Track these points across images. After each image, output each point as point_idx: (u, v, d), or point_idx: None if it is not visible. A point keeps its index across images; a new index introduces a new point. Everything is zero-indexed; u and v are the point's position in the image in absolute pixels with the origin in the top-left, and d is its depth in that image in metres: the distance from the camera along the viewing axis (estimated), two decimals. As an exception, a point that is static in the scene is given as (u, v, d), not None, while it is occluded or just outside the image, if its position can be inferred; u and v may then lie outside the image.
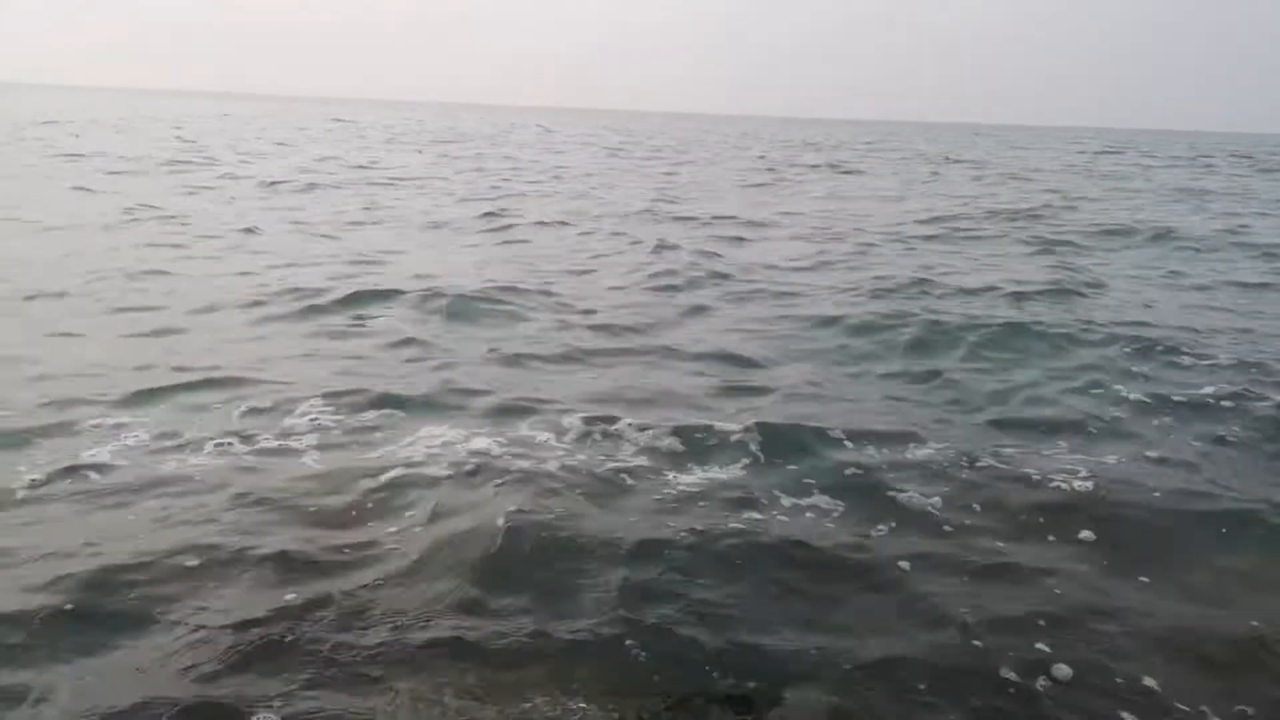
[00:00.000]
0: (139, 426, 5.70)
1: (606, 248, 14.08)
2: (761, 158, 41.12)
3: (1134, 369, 7.51)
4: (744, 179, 29.25)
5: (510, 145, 44.98)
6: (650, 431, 5.85)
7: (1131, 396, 6.78)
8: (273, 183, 21.88)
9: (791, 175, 31.84)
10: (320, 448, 5.46)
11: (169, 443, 5.47)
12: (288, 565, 4.07)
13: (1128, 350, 8.07)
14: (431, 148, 40.93)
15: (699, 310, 9.93)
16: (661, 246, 13.76)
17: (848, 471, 5.34)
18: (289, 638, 3.53)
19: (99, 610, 3.71)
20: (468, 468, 5.22)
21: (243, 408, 6.08)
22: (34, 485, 4.81)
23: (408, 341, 8.13)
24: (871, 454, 5.65)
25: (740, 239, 15.47)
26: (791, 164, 37.74)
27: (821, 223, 17.83)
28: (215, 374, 6.83)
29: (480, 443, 5.60)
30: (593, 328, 8.96)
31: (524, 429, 5.87)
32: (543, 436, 5.73)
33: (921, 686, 3.38)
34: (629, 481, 5.14)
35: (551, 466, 5.21)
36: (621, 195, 22.15)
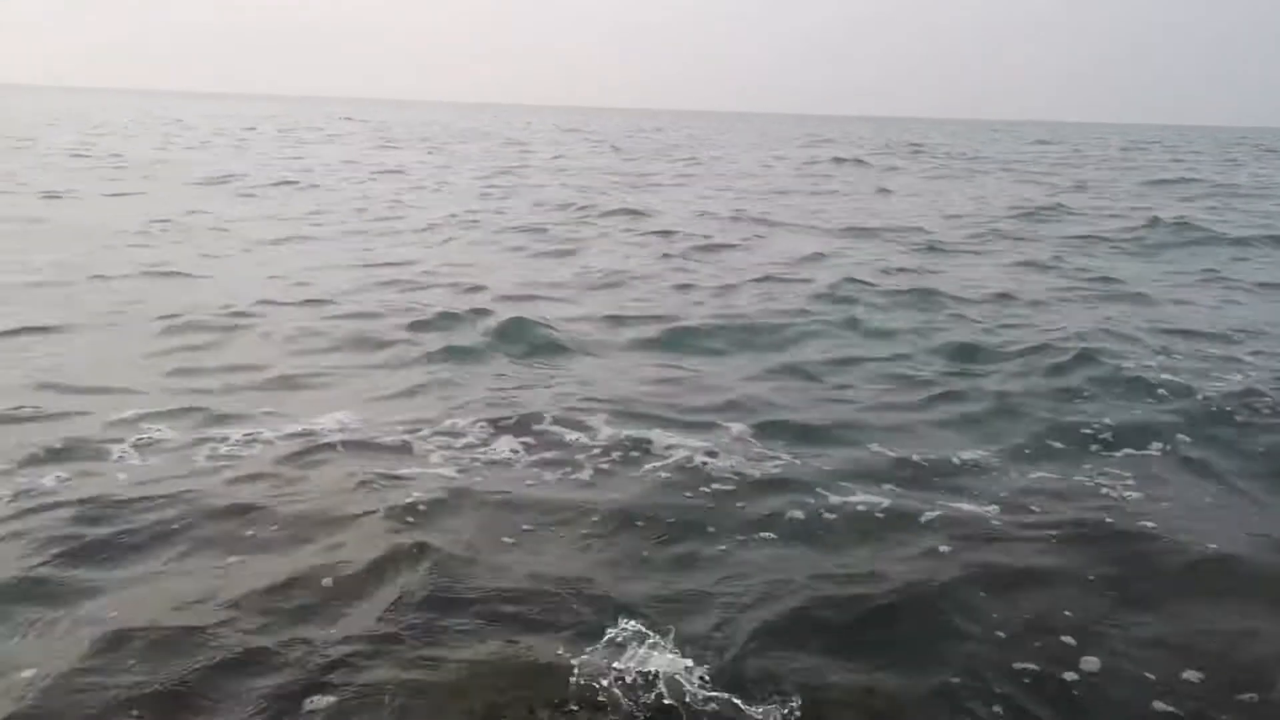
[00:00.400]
0: (166, 425, 5.72)
1: (628, 250, 13.98)
2: (780, 156, 40.83)
3: (1167, 373, 7.29)
4: (765, 176, 29.13)
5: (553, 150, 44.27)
6: (679, 430, 5.82)
7: (1167, 402, 6.63)
8: (295, 183, 22.03)
9: (814, 171, 31.85)
10: (347, 447, 5.45)
11: (197, 440, 5.48)
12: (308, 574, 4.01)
13: (1161, 354, 7.93)
14: (448, 148, 40.94)
15: (721, 306, 9.90)
16: (681, 245, 13.85)
17: (884, 477, 5.29)
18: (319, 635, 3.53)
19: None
20: (497, 465, 5.25)
21: (266, 408, 6.11)
22: (60, 480, 4.83)
23: (425, 338, 8.17)
24: (906, 455, 5.63)
25: (758, 235, 15.49)
26: (814, 161, 37.58)
27: (838, 220, 17.76)
28: (240, 376, 6.91)
29: (503, 442, 5.59)
30: (606, 321, 9.01)
31: (548, 425, 5.85)
32: (571, 436, 5.70)
33: (954, 680, 3.37)
34: (664, 476, 5.13)
35: (585, 474, 5.19)
36: (642, 195, 22.09)
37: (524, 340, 8.05)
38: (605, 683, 3.24)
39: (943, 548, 4.35)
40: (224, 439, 5.49)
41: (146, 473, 5.02)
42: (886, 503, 4.85)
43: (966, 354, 7.99)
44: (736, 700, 3.19)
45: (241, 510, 4.59)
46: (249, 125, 56.18)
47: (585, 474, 5.19)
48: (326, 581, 3.91)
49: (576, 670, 3.29)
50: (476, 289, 10.42)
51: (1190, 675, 3.43)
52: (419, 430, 5.72)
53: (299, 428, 5.68)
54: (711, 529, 4.54)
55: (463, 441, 5.59)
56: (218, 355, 7.51)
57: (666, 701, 3.17)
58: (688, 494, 4.93)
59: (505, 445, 5.54)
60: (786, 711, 3.16)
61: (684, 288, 10.88)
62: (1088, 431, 6.01)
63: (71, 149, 30.29)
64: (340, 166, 28.16)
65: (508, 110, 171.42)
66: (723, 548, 4.36)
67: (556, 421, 5.93)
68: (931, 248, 14.33)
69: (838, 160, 37.21)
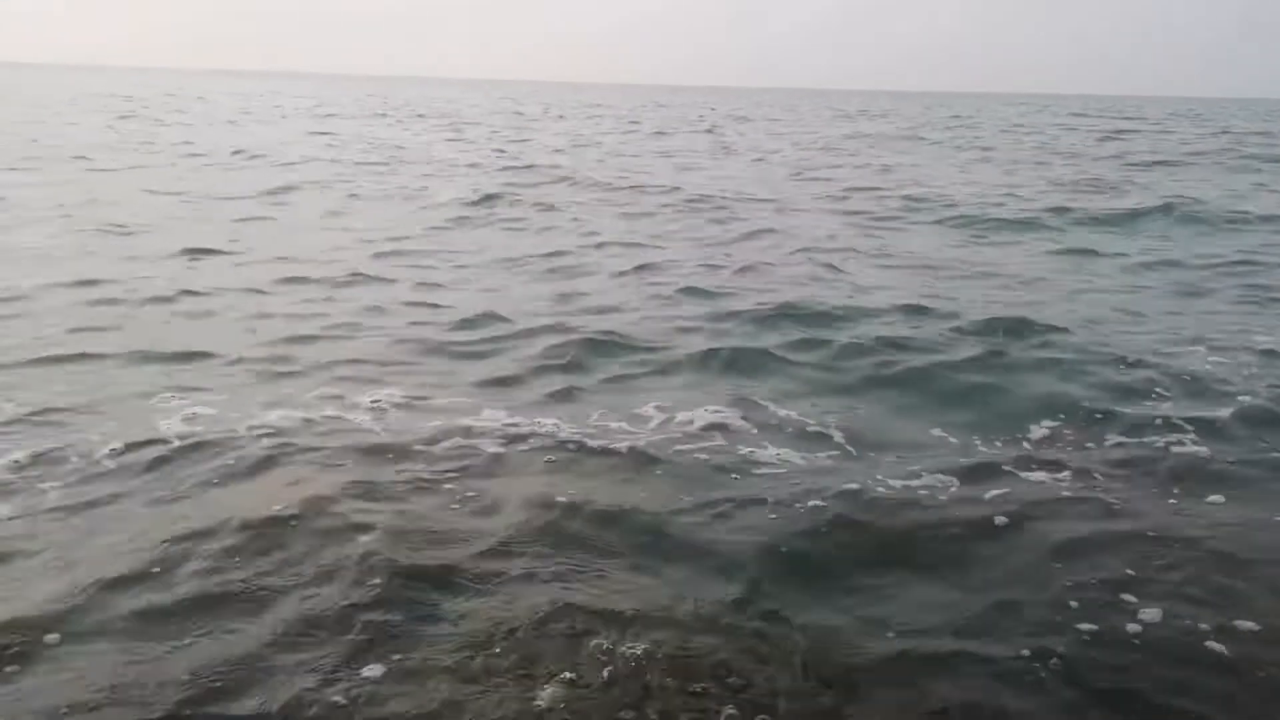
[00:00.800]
0: (210, 395, 5.80)
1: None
2: (849, 136, 39.96)
3: (1216, 355, 7.15)
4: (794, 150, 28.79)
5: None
6: (725, 412, 5.71)
7: (1219, 377, 6.53)
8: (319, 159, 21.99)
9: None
10: (387, 424, 5.44)
11: (238, 414, 5.52)
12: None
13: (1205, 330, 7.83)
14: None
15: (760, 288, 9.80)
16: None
17: (950, 448, 5.30)
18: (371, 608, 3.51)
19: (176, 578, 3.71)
20: (543, 437, 5.25)
21: (318, 381, 6.18)
22: (113, 454, 4.87)
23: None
24: (957, 426, 5.64)
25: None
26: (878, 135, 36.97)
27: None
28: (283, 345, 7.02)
29: (548, 415, 5.60)
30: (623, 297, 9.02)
31: (594, 417, 5.71)
32: (615, 424, 5.58)
33: (1016, 642, 3.38)
34: (704, 457, 5.06)
35: (630, 449, 5.12)
36: (685, 175, 21.87)
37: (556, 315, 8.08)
38: (659, 655, 3.22)
39: (999, 519, 4.34)
40: (264, 419, 5.43)
41: (194, 436, 5.10)
42: (936, 471, 4.85)
43: (994, 330, 7.78)
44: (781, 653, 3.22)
45: (283, 477, 4.64)
46: (276, 104, 56.06)
47: (630, 449, 5.11)
48: (365, 550, 3.89)
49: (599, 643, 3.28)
50: (515, 261, 10.47)
51: (1243, 624, 3.46)
52: (461, 410, 5.70)
53: (342, 402, 5.72)
54: (763, 500, 4.49)
55: (506, 416, 5.57)
56: (256, 331, 7.60)
57: (718, 683, 3.12)
58: (734, 476, 4.84)
59: (550, 420, 5.51)
60: (851, 678, 3.16)
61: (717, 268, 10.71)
62: (1139, 402, 5.97)
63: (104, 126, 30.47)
64: (388, 143, 28.03)
65: (522, 87, 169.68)
66: (774, 522, 4.31)
67: (601, 401, 5.95)
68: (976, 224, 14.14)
69: (876, 136, 36.72)
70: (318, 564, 3.79)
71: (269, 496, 4.38)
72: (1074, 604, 3.61)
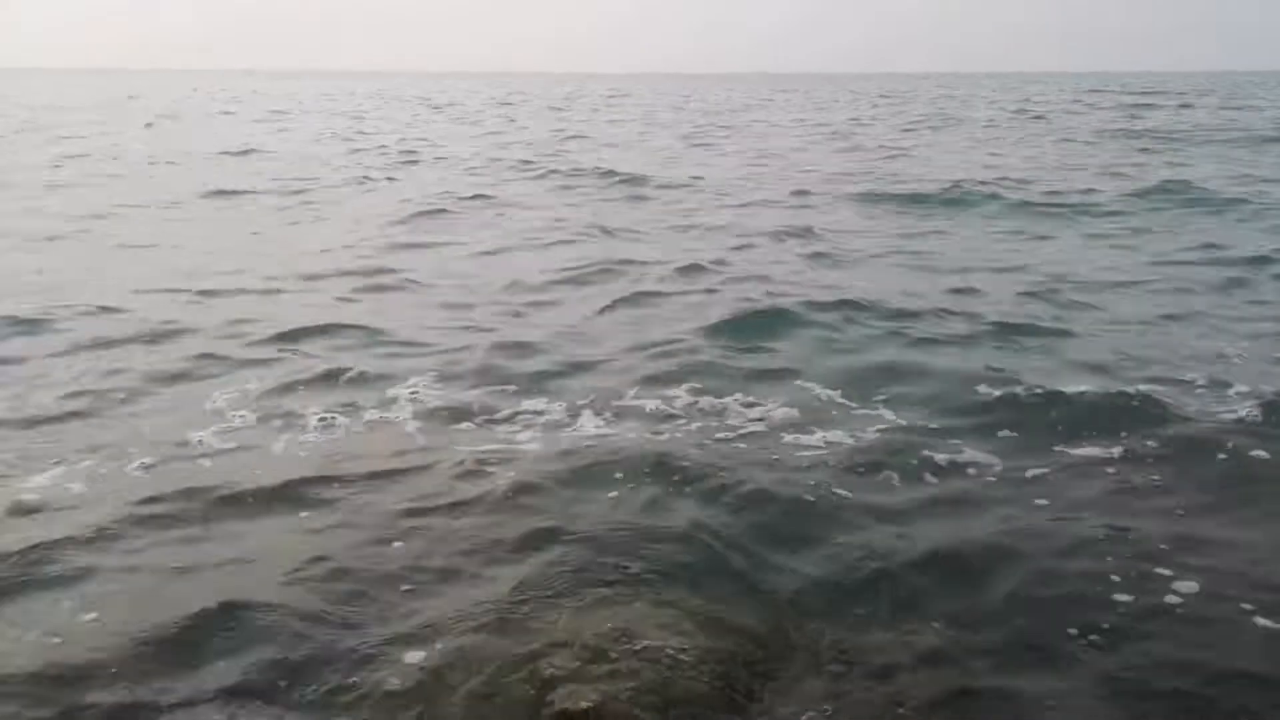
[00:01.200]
0: (241, 399, 5.78)
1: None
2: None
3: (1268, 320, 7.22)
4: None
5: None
6: (762, 407, 5.60)
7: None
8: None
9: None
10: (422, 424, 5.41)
11: (273, 419, 5.47)
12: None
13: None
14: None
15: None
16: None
17: (983, 429, 5.27)
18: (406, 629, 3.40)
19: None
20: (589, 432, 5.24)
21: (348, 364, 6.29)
22: (144, 467, 4.81)
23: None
24: (998, 394, 5.66)
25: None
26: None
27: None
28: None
29: (587, 411, 5.57)
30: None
31: (628, 396, 5.70)
32: (651, 405, 5.56)
33: (1055, 622, 3.39)
34: (742, 445, 5.02)
35: (666, 435, 5.13)
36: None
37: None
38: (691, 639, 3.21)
39: (1037, 496, 4.36)
40: (301, 423, 5.39)
41: (228, 445, 5.08)
42: (976, 450, 4.88)
43: (1011, 318, 7.62)
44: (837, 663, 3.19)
45: (324, 484, 4.57)
46: (287, 105, 55.83)
47: (666, 435, 5.10)
48: (410, 555, 3.90)
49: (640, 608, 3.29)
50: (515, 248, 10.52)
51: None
52: (491, 407, 5.65)
53: (372, 402, 5.69)
54: (807, 492, 4.42)
55: (545, 417, 5.49)
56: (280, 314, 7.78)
57: (751, 671, 3.12)
58: (775, 457, 4.79)
59: (585, 414, 5.47)
60: (898, 668, 3.15)
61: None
62: (1158, 384, 5.91)
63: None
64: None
65: (537, 80, 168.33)
66: (829, 503, 4.30)
67: (641, 385, 5.90)
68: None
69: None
70: (358, 573, 3.75)
71: (309, 504, 4.35)
72: (1115, 578, 3.62)
